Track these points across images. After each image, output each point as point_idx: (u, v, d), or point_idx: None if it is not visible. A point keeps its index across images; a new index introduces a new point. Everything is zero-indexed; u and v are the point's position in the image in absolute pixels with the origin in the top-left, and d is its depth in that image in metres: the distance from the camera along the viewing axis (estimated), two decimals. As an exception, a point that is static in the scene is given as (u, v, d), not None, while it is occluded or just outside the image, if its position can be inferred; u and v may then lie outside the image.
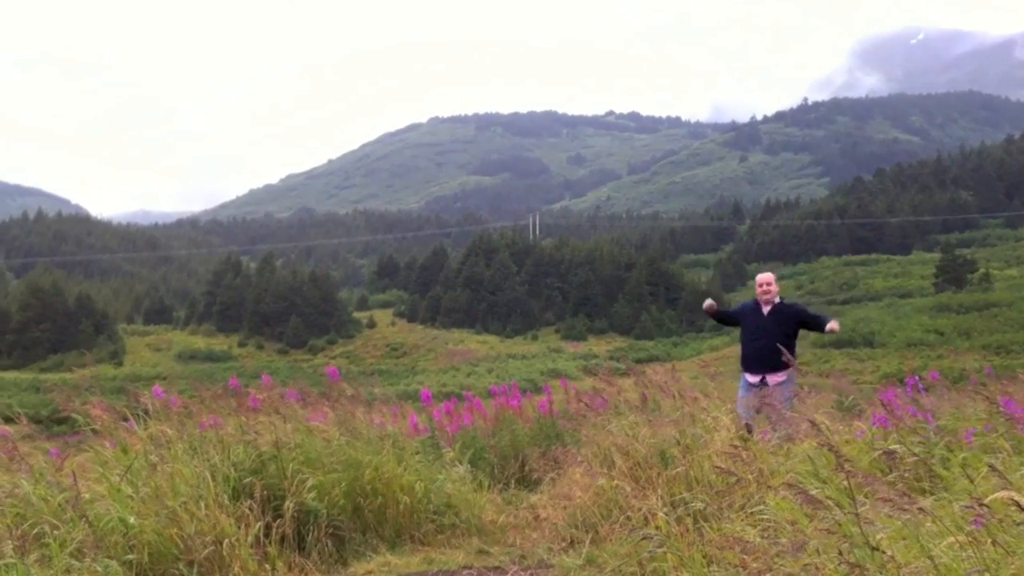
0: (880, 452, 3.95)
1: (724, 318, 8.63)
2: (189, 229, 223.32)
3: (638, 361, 48.43)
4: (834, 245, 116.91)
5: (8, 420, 5.99)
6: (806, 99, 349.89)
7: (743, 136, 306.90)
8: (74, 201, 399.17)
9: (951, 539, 2.42)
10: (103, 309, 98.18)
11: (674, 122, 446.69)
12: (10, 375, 74.92)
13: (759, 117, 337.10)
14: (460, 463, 7.28)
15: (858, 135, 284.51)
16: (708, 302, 8.38)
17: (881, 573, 2.42)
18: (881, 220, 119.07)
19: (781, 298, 8.17)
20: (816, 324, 7.99)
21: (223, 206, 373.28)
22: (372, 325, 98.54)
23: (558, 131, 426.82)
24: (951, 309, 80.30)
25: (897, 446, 4.03)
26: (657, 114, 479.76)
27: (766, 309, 8.04)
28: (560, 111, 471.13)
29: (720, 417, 4.70)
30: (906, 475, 3.77)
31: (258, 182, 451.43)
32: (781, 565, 2.68)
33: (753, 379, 7.71)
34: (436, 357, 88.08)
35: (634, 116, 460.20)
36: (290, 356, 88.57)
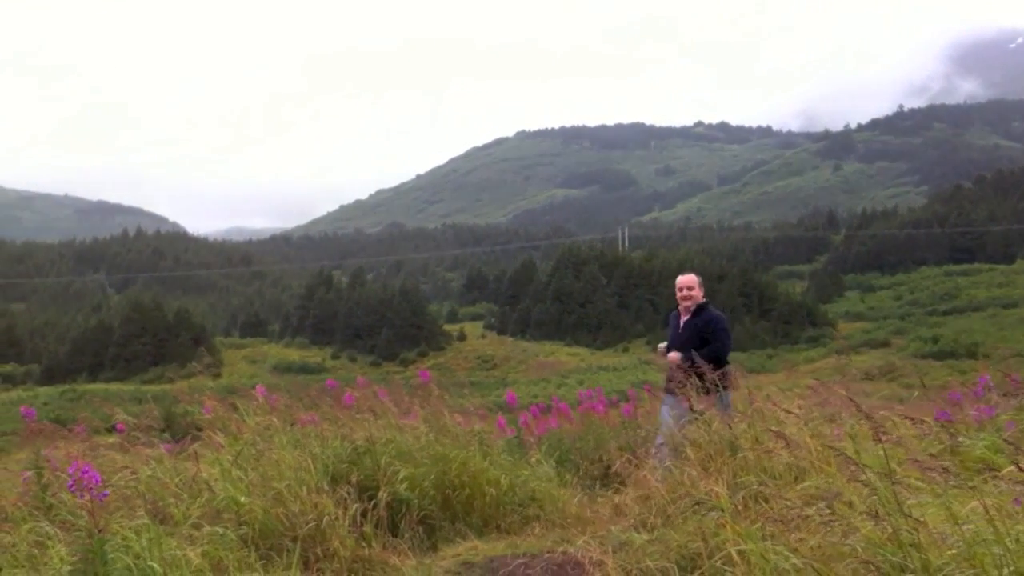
0: (944, 445, 4.11)
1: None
2: (282, 245, 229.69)
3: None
4: (934, 255, 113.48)
5: (108, 431, 6.56)
6: (901, 106, 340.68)
7: (837, 145, 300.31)
8: (172, 219, 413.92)
9: (974, 503, 2.62)
10: (201, 323, 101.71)
11: (764, 132, 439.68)
12: (113, 387, 78.05)
13: (853, 125, 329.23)
14: (545, 463, 7.59)
15: (957, 142, 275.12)
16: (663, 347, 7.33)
17: (911, 533, 2.64)
18: (983, 229, 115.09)
19: (705, 303, 7.27)
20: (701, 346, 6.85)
21: (314, 222, 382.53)
22: (462, 338, 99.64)
23: (646, 143, 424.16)
24: (1058, 319, 77.38)
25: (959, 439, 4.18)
26: (747, 124, 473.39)
27: (684, 318, 7.23)
28: (648, 123, 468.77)
29: (790, 410, 4.91)
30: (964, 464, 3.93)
31: (348, 198, 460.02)
32: (813, 516, 2.92)
33: (673, 401, 6.75)
34: (526, 369, 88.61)
35: (723, 126, 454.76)
36: (382, 368, 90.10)
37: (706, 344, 6.86)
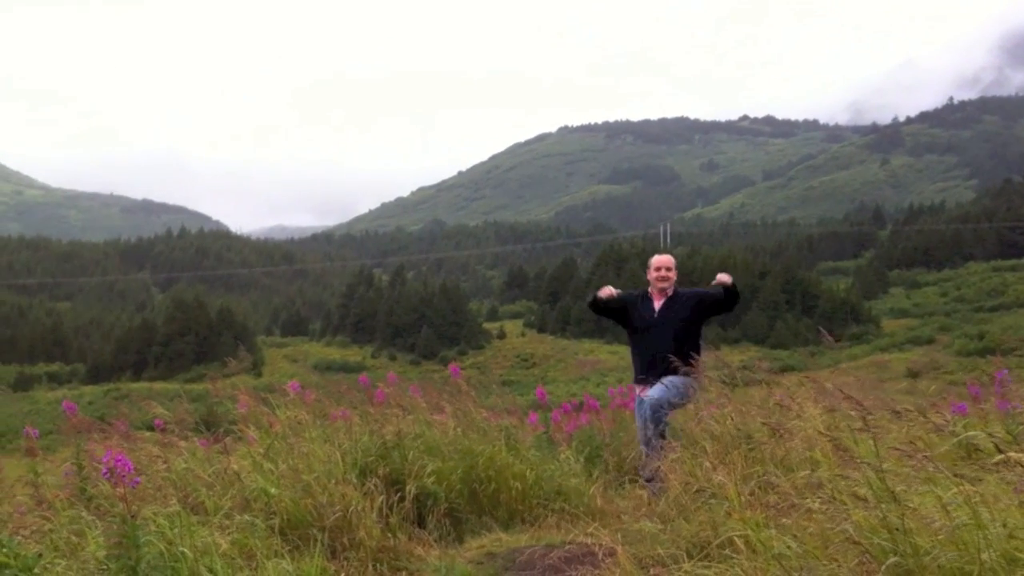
0: (958, 440, 4.17)
1: (606, 309, 7.03)
2: (324, 243, 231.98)
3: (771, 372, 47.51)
4: (982, 250, 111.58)
5: (150, 429, 6.82)
6: (951, 98, 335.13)
7: (885, 138, 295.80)
8: (215, 217, 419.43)
9: (956, 490, 2.70)
10: (243, 322, 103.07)
11: (811, 125, 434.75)
12: (157, 385, 79.33)
13: (901, 118, 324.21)
14: (574, 459, 7.70)
15: (1008, 135, 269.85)
16: (607, 291, 6.95)
17: (899, 518, 2.73)
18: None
19: (676, 288, 6.95)
20: (719, 299, 6.74)
21: (356, 219, 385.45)
22: (502, 336, 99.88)
23: (690, 137, 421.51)
24: (1110, 315, 75.77)
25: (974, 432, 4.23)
26: (793, 117, 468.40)
27: (659, 301, 6.87)
28: (692, 117, 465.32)
29: (806, 405, 5.01)
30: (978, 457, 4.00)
31: (390, 195, 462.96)
32: (808, 504, 3.03)
33: (645, 390, 6.63)
34: (566, 367, 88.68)
35: (769, 120, 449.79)
36: (422, 366, 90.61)
37: (710, 309, 6.81)
